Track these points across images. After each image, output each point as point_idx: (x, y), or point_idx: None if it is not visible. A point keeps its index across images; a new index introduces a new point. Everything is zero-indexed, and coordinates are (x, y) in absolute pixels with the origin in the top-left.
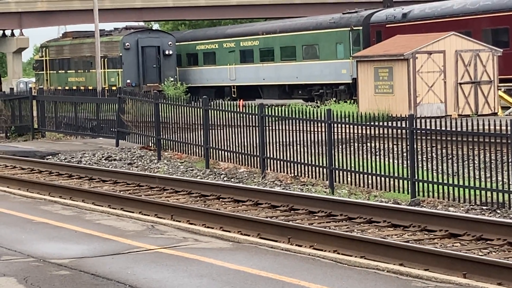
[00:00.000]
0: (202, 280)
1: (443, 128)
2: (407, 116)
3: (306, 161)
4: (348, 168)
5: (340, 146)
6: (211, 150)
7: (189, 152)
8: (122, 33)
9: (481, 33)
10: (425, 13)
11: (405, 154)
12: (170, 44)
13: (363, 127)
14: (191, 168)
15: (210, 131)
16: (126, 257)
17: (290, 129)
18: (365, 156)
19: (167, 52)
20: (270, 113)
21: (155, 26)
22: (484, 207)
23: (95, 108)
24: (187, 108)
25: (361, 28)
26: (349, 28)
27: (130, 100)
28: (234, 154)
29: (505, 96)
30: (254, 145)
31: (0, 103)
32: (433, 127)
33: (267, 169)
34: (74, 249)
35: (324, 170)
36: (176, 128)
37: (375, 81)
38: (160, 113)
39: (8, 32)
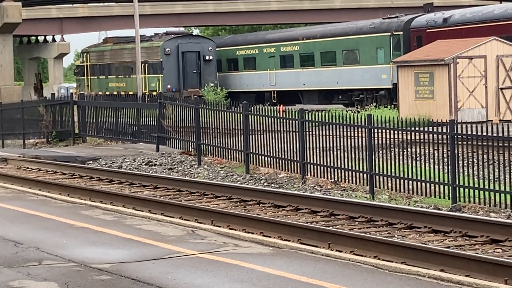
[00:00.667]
0: (242, 285)
1: (484, 134)
2: (448, 121)
3: (346, 167)
4: (389, 174)
5: (381, 151)
6: (251, 155)
7: (229, 157)
8: (162, 38)
9: None
10: (466, 18)
11: (445, 159)
12: (210, 49)
13: (404, 132)
14: (231, 173)
15: (250, 136)
16: (167, 262)
17: (330, 134)
18: (405, 161)
19: (207, 58)
20: (310, 118)
21: (195, 31)
22: None
23: (136, 113)
24: (227, 113)
25: (401, 33)
26: (389, 33)
27: (171, 105)
28: (274, 159)
29: None
30: (294, 150)
31: (41, 109)
32: (474, 133)
33: (307, 174)
34: (114, 254)
35: (365, 175)
36: (216, 133)
37: (416, 86)
38: (200, 118)
39: (49, 38)
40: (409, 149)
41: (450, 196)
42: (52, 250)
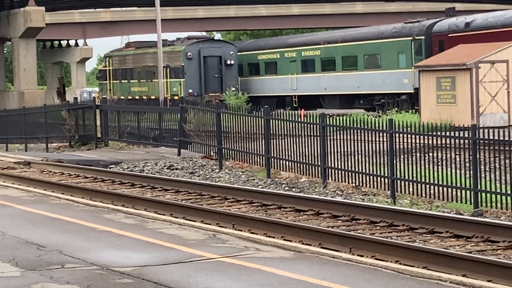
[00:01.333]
0: None
1: (506, 139)
2: (469, 126)
3: (367, 171)
4: (410, 178)
5: (402, 156)
6: (273, 159)
7: (251, 161)
8: (184, 43)
9: None
10: (488, 22)
11: (467, 164)
12: (232, 54)
13: (425, 137)
14: (252, 178)
15: (272, 140)
16: (188, 265)
17: (352, 138)
18: (427, 166)
19: (228, 62)
20: (331, 123)
21: (217, 36)
22: None
23: (158, 117)
24: (249, 117)
25: (423, 37)
26: (411, 38)
27: (192, 110)
28: (295, 163)
29: None
30: (315, 155)
31: (64, 113)
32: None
33: (328, 179)
34: (136, 258)
35: (386, 180)
36: (237, 137)
37: (437, 91)
38: (222, 123)
39: (72, 42)
40: (430, 154)
41: (472, 201)
42: (75, 253)
